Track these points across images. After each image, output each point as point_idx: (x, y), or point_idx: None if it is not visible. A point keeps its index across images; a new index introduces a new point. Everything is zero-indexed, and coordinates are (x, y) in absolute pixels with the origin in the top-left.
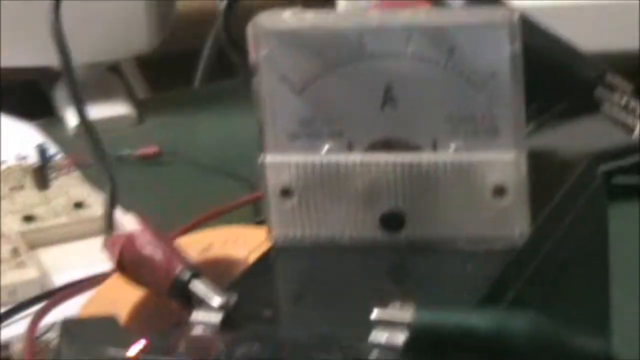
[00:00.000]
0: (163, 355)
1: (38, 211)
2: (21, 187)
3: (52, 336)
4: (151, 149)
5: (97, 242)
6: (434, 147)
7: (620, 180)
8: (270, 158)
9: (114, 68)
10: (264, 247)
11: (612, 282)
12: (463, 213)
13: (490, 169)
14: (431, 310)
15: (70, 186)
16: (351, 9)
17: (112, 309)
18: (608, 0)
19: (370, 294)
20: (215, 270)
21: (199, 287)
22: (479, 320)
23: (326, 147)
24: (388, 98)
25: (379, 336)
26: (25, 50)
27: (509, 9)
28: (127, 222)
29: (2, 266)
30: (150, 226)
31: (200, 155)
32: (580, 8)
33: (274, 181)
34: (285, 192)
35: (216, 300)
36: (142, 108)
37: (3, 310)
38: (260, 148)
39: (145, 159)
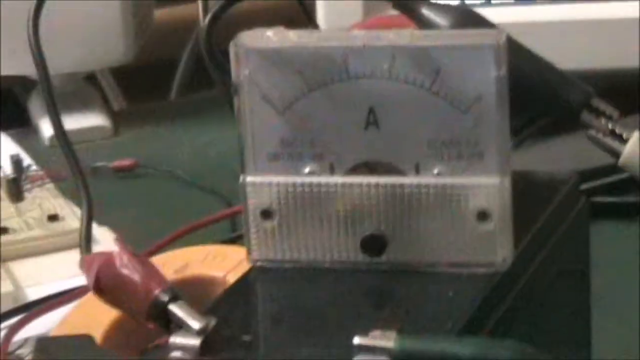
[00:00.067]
0: None
1: (11, 224)
2: None
3: (26, 352)
4: (127, 161)
5: (71, 255)
6: (417, 170)
7: (600, 199)
8: (250, 178)
9: (90, 78)
10: (242, 266)
11: (593, 303)
12: (446, 237)
13: (474, 194)
14: (413, 337)
15: (44, 198)
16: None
17: (87, 329)
18: (608, 17)
19: (350, 319)
20: (193, 289)
21: (177, 310)
22: (462, 347)
23: (307, 168)
24: (371, 120)
25: None
26: (1, 58)
27: (496, 32)
28: (101, 235)
29: None
30: (126, 246)
31: (176, 168)
32: (578, 24)
33: (254, 202)
34: (266, 214)
35: (195, 324)
36: (118, 119)
37: None
38: (241, 168)
39: (121, 170)
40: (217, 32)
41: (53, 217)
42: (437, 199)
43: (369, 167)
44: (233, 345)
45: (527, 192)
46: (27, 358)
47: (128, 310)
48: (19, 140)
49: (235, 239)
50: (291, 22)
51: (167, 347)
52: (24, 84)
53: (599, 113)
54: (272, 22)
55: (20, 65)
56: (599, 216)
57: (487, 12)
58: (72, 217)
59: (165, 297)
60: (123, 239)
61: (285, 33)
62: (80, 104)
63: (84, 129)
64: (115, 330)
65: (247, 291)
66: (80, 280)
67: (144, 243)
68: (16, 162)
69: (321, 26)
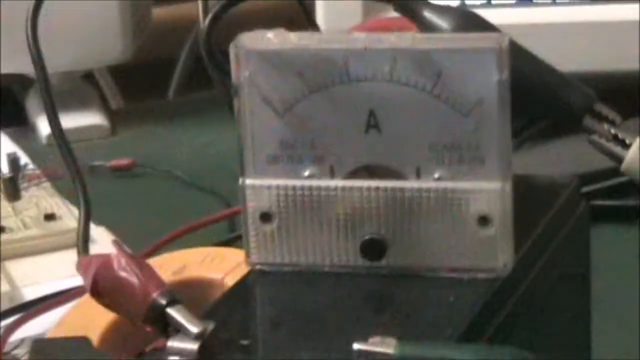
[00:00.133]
0: None
1: (8, 223)
2: None
3: (22, 352)
4: (124, 160)
5: (68, 255)
6: (418, 174)
7: (600, 202)
8: (250, 181)
9: (88, 77)
10: (241, 269)
11: (593, 307)
12: (446, 242)
13: (474, 199)
14: (413, 344)
15: (41, 197)
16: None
17: (85, 330)
18: (608, 19)
19: (350, 323)
20: (191, 291)
21: (176, 314)
22: (461, 354)
23: (307, 171)
24: (372, 123)
25: None
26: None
27: (498, 35)
28: (99, 235)
29: None
30: (124, 249)
31: (174, 168)
32: (578, 26)
33: (253, 205)
34: (265, 217)
35: (193, 328)
36: (116, 118)
37: None
38: (240, 170)
39: (119, 170)
40: (217, 32)
41: (50, 217)
42: (437, 203)
43: (369, 171)
44: (231, 350)
45: (527, 197)
46: (23, 358)
47: (125, 314)
48: (17, 139)
49: (233, 240)
50: (291, 23)
51: (165, 351)
52: (22, 82)
53: (601, 118)
54: (272, 23)
55: (19, 63)
56: (599, 219)
57: (488, 14)
58: (69, 216)
59: (163, 301)
60: (120, 239)
61: (285, 35)
62: (78, 103)
63: (82, 127)
64: (113, 332)
65: (246, 295)
66: (77, 280)
67: (141, 243)
68: (13, 160)
69: (321, 26)
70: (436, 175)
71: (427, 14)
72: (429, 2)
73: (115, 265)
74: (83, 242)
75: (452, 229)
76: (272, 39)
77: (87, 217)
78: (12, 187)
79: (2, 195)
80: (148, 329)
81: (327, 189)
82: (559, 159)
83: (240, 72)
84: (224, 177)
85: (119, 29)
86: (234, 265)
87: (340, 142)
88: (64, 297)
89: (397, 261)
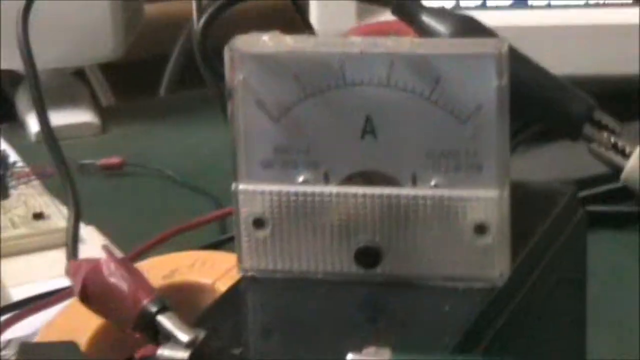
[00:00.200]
0: None
1: None
2: None
3: (9, 353)
4: (115, 159)
5: (57, 254)
6: (414, 181)
7: (596, 207)
8: (243, 186)
9: (79, 74)
10: (232, 274)
11: (590, 312)
12: (442, 250)
13: (471, 207)
14: (407, 354)
15: (30, 196)
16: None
17: (73, 334)
18: (604, 22)
19: (343, 331)
20: (181, 295)
21: (166, 321)
22: None
23: (301, 177)
24: (368, 128)
25: None
26: None
27: (498, 40)
28: (88, 234)
29: None
30: (114, 254)
31: (165, 167)
32: (576, 29)
33: (246, 210)
34: (258, 223)
35: (184, 336)
36: (107, 116)
37: None
38: (233, 175)
39: (109, 169)
40: (211, 33)
41: (38, 215)
42: (433, 211)
43: (365, 177)
44: (223, 358)
45: (524, 204)
46: None
47: (115, 320)
48: (5, 136)
49: (225, 242)
50: (286, 24)
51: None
52: (12, 78)
53: (601, 126)
54: (267, 24)
55: (8, 59)
56: (595, 225)
57: (483, 16)
58: (57, 215)
59: (153, 308)
60: (110, 239)
61: (281, 38)
62: (68, 100)
63: (72, 125)
64: (102, 337)
65: (238, 302)
66: (66, 280)
67: (131, 243)
68: (2, 158)
69: (315, 28)
70: (433, 183)
71: (425, 18)
72: (427, 6)
73: (105, 271)
74: (72, 244)
75: (448, 237)
76: (268, 41)
77: (77, 219)
78: (1, 185)
79: None
80: (138, 336)
81: (322, 195)
82: (554, 163)
83: (235, 76)
84: (215, 176)
85: (111, 25)
86: (225, 269)
87: (335, 148)
88: (54, 299)
89: (392, 269)
